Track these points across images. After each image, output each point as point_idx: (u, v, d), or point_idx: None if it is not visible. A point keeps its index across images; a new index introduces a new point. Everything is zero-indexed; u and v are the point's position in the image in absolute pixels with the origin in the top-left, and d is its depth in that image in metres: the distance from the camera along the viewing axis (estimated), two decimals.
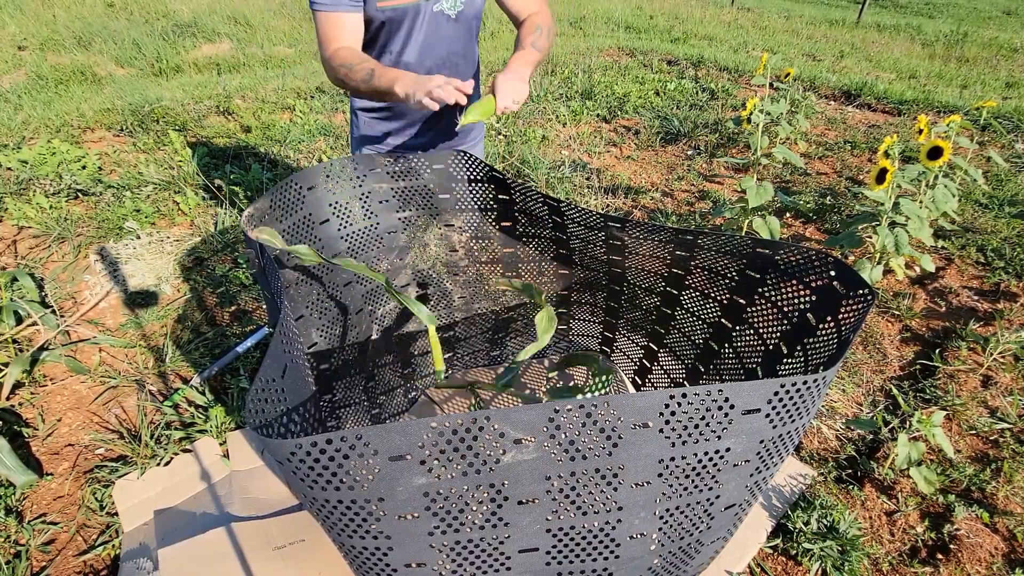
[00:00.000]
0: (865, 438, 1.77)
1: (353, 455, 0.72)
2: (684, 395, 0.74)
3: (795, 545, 1.42)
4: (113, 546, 1.51)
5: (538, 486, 0.80)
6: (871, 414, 1.84)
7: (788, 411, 0.80)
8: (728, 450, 0.82)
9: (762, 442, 0.83)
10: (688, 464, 0.82)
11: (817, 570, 1.39)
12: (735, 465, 0.85)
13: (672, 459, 0.81)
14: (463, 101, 1.27)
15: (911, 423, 1.54)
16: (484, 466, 0.77)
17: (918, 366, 2.01)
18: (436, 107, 1.29)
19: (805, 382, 0.77)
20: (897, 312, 2.26)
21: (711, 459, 0.83)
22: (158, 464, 1.69)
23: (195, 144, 3.75)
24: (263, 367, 0.79)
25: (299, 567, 1.39)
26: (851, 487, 1.60)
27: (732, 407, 0.77)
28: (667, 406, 0.74)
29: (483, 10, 1.57)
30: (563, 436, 0.75)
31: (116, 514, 1.59)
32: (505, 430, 0.73)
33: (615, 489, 0.83)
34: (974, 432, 1.76)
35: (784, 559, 1.43)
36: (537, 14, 1.56)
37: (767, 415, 0.79)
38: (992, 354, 1.98)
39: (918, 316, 2.23)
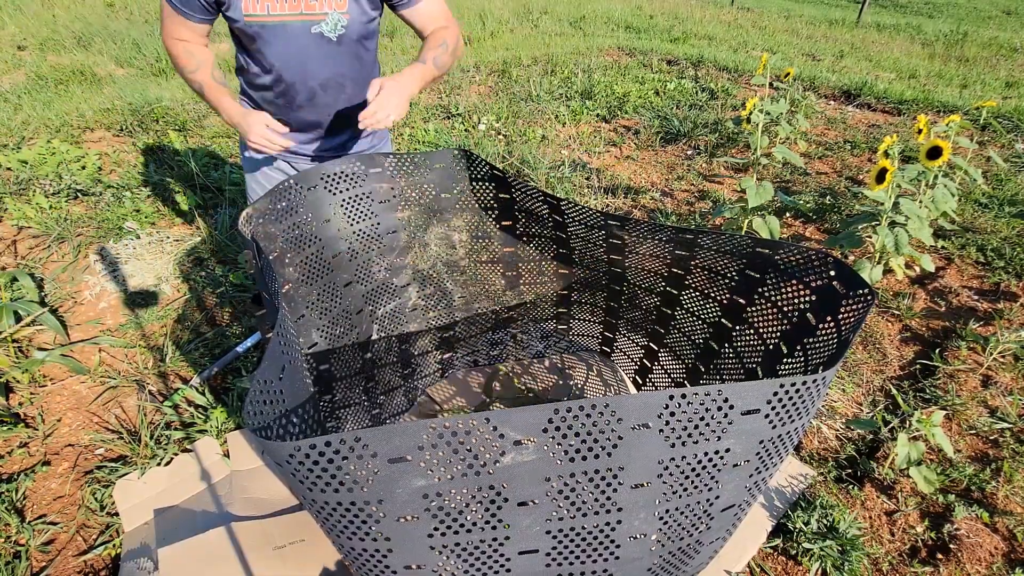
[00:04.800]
0: (865, 438, 1.77)
1: (352, 457, 0.72)
2: (683, 396, 0.74)
3: (795, 545, 1.42)
4: (113, 546, 1.51)
5: (537, 487, 0.80)
6: (871, 414, 1.84)
7: (787, 411, 0.80)
8: (728, 450, 0.82)
9: (761, 442, 0.83)
10: (688, 464, 0.82)
11: (817, 570, 1.39)
12: (735, 465, 0.85)
13: (672, 460, 0.81)
14: (276, 151, 1.39)
15: (911, 423, 1.54)
16: (483, 467, 0.77)
17: (918, 366, 2.01)
18: (259, 155, 1.50)
19: (804, 382, 0.77)
20: (897, 312, 2.25)
21: (711, 459, 0.83)
22: (158, 464, 1.69)
23: (195, 144, 3.75)
24: (261, 368, 0.79)
25: (299, 567, 1.39)
26: (851, 487, 1.60)
27: (731, 407, 0.77)
28: (666, 407, 0.74)
29: (376, 31, 1.48)
30: (562, 437, 0.75)
31: (116, 514, 1.59)
32: (505, 431, 0.73)
33: (615, 490, 0.83)
34: (974, 432, 1.76)
35: (784, 559, 1.43)
36: (445, 28, 1.47)
37: (766, 415, 0.79)
38: (992, 354, 1.98)
39: (918, 316, 2.23)
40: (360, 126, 1.29)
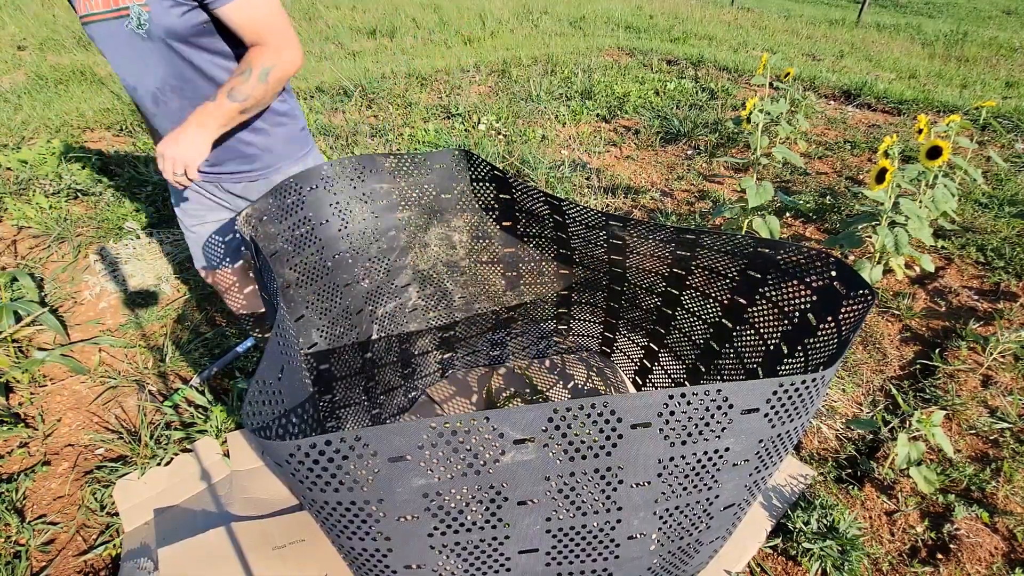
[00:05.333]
0: (865, 438, 1.77)
1: (352, 456, 0.72)
2: (683, 395, 0.74)
3: (795, 545, 1.42)
4: (114, 546, 1.51)
5: (537, 487, 0.80)
6: (871, 414, 1.84)
7: (787, 410, 0.80)
8: (727, 449, 0.82)
9: (761, 441, 0.83)
10: (687, 464, 0.82)
11: (817, 570, 1.39)
12: (734, 464, 0.86)
13: (671, 459, 0.81)
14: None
15: (911, 423, 1.54)
16: (483, 467, 0.77)
17: (918, 366, 2.01)
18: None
19: (803, 382, 0.77)
20: (897, 312, 2.25)
21: (710, 459, 0.83)
22: (158, 464, 1.69)
23: None
24: (260, 369, 0.79)
25: (299, 567, 1.39)
26: (851, 487, 1.60)
27: (731, 407, 0.77)
28: (666, 406, 0.74)
29: (206, 28, 1.23)
30: (562, 436, 0.75)
31: (116, 514, 1.59)
32: (504, 430, 0.73)
33: (614, 489, 0.83)
34: (974, 432, 1.76)
35: (784, 559, 1.43)
36: (257, 49, 1.24)
37: (765, 414, 0.79)
38: (992, 354, 1.98)
39: (918, 316, 2.23)
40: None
